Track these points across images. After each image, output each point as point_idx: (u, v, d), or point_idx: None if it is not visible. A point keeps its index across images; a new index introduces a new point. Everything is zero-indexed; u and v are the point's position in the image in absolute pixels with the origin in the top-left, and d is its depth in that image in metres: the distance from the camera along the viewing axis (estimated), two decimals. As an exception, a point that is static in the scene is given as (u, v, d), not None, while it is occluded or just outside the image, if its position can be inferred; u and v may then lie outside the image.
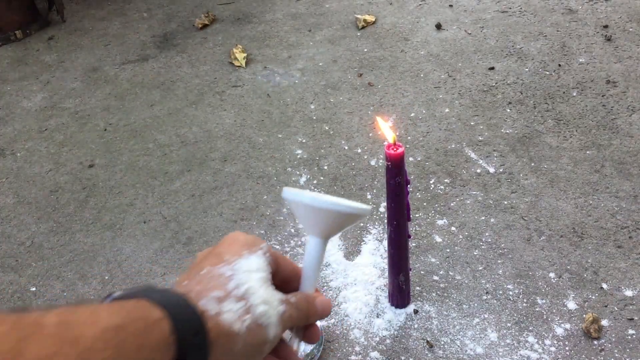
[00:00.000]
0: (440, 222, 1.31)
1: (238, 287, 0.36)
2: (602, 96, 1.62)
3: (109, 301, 0.33)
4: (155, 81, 2.03)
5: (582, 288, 1.12)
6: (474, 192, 1.37)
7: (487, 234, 1.26)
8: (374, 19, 2.18)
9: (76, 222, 1.48)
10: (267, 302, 0.37)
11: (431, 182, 1.42)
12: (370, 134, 1.61)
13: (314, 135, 1.65)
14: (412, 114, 1.66)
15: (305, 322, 0.42)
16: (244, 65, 2.03)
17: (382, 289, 1.17)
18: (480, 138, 1.54)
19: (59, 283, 1.31)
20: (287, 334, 0.43)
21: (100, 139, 1.78)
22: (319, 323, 1.09)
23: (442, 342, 1.06)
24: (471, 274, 1.18)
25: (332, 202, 0.42)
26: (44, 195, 1.58)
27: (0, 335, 0.24)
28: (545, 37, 1.92)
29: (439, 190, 1.39)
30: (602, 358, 1.00)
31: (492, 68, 1.81)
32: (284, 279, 0.43)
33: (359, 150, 1.56)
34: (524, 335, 1.06)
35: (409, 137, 1.58)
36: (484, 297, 1.13)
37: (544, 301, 1.11)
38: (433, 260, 1.22)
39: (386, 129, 0.92)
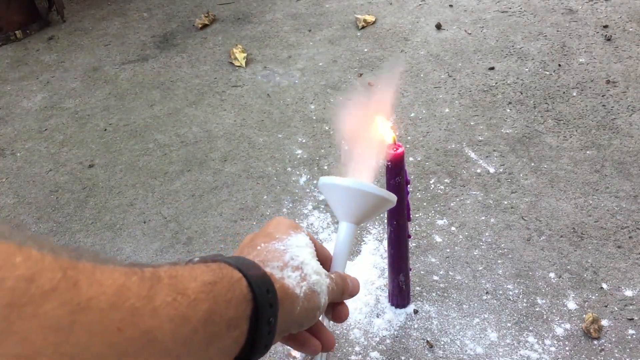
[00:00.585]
0: (440, 222, 1.31)
1: (293, 259, 0.41)
2: (602, 96, 1.62)
3: (192, 264, 0.37)
4: (155, 81, 2.03)
5: (582, 288, 1.12)
6: (474, 192, 1.37)
7: (487, 234, 1.26)
8: (374, 19, 2.18)
9: (76, 222, 1.48)
10: (318, 272, 0.42)
11: (431, 182, 1.42)
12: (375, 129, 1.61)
13: (314, 135, 1.65)
14: (412, 114, 1.66)
15: (340, 298, 0.46)
16: (244, 65, 2.03)
17: (382, 289, 1.17)
18: (480, 138, 1.54)
19: (59, 283, 1.31)
20: None
21: (100, 139, 1.78)
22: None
23: (442, 342, 1.06)
24: (471, 274, 1.18)
25: (366, 186, 0.46)
26: (44, 195, 1.58)
27: (135, 283, 0.29)
28: (545, 37, 1.92)
29: (439, 190, 1.39)
30: (602, 358, 1.00)
31: (492, 68, 1.81)
32: (318, 260, 0.47)
33: (359, 151, 1.56)
34: (524, 335, 1.06)
35: (409, 137, 1.58)
36: (484, 297, 1.13)
37: (544, 301, 1.11)
38: (433, 260, 1.22)
39: (385, 130, 0.92)
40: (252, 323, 0.36)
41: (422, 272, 1.20)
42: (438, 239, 1.27)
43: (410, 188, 1.21)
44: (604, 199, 1.31)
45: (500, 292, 1.14)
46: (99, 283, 0.27)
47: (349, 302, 1.17)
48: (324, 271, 0.44)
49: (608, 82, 1.67)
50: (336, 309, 0.48)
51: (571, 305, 1.09)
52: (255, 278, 0.37)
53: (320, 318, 0.46)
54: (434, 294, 1.15)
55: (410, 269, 1.11)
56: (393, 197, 0.49)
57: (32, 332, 0.23)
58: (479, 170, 1.44)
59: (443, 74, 1.82)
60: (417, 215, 1.33)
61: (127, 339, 0.27)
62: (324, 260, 0.48)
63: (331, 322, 0.48)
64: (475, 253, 1.22)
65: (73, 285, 0.25)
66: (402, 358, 1.05)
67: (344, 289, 0.46)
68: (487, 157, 1.47)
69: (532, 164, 1.43)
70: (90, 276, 0.27)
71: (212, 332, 0.32)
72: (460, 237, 1.27)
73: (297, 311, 0.40)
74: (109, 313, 0.26)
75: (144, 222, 1.44)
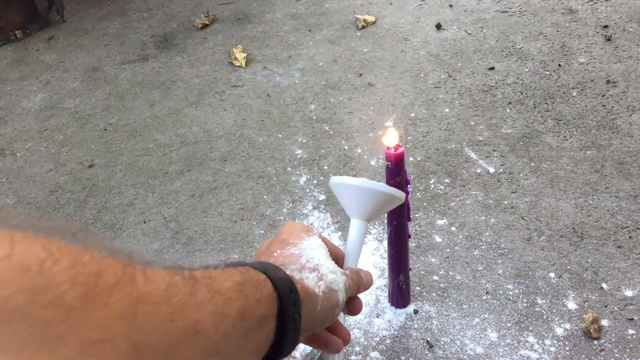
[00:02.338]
0: (440, 222, 1.31)
1: (309, 261, 0.44)
2: (602, 96, 1.62)
3: (221, 267, 0.39)
4: (155, 81, 2.03)
5: (582, 288, 1.12)
6: (474, 192, 1.37)
7: (487, 234, 1.26)
8: (374, 19, 2.18)
9: (76, 222, 1.48)
10: (334, 271, 0.44)
11: (431, 182, 1.42)
12: (370, 134, 1.61)
13: (314, 135, 1.65)
14: (412, 114, 1.66)
15: (355, 292, 0.48)
16: (244, 65, 2.03)
17: (382, 289, 1.17)
18: (480, 138, 1.54)
19: (59, 283, 1.31)
20: None
21: (100, 139, 1.78)
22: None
23: (442, 342, 1.06)
24: (471, 274, 1.18)
25: (377, 184, 0.49)
26: (44, 195, 1.58)
27: (180, 281, 0.32)
28: (545, 37, 1.92)
29: (439, 190, 1.39)
30: (602, 358, 1.00)
31: (492, 68, 1.81)
32: (332, 256, 0.49)
33: (359, 150, 1.56)
34: (524, 335, 1.06)
35: (409, 137, 1.58)
36: (484, 297, 1.13)
37: (544, 301, 1.11)
38: (433, 260, 1.22)
39: (392, 138, 0.91)
40: (279, 321, 0.38)
41: (422, 272, 1.20)
42: (438, 239, 1.27)
43: (410, 188, 1.21)
44: (604, 199, 1.31)
45: (500, 292, 1.14)
46: (151, 280, 0.30)
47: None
48: (339, 270, 0.46)
49: (608, 82, 1.67)
50: (351, 303, 0.50)
51: (571, 305, 1.09)
52: (278, 279, 0.39)
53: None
54: (434, 294, 1.15)
55: (410, 269, 1.11)
56: (402, 194, 0.51)
57: (105, 319, 0.27)
58: (479, 170, 1.44)
59: (443, 74, 1.82)
60: (417, 215, 1.33)
61: (178, 329, 0.30)
62: (336, 258, 0.50)
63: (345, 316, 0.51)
64: (475, 253, 1.22)
65: (131, 280, 0.29)
66: (402, 358, 1.05)
67: (359, 284, 0.48)
68: (487, 157, 1.47)
69: (532, 164, 1.43)
70: (143, 273, 0.30)
71: (247, 327, 0.35)
72: (460, 237, 1.27)
73: (318, 309, 0.42)
74: (162, 306, 0.30)
75: (144, 222, 1.44)
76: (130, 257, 0.31)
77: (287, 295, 0.39)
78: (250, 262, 0.41)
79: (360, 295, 0.51)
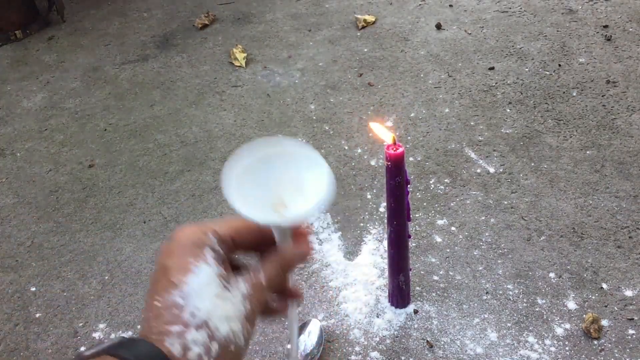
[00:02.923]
0: (440, 222, 1.31)
1: (194, 315, 0.35)
2: (602, 96, 1.62)
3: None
4: (155, 81, 2.03)
5: (582, 288, 1.12)
6: (474, 192, 1.37)
7: (487, 234, 1.26)
8: (374, 19, 2.18)
9: (76, 222, 1.48)
10: (228, 317, 0.36)
11: (431, 182, 1.42)
12: (370, 134, 1.61)
13: (314, 135, 1.65)
14: (412, 114, 1.66)
15: (283, 286, 0.41)
16: (244, 65, 2.03)
17: (382, 289, 1.17)
18: (480, 138, 1.54)
19: (59, 283, 1.31)
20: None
21: (100, 139, 1.78)
22: (322, 323, 1.09)
23: (442, 342, 1.06)
24: (471, 274, 1.18)
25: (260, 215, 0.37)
26: (44, 195, 1.58)
27: None
28: (545, 37, 1.92)
29: (439, 190, 1.39)
30: (602, 358, 1.00)
31: (492, 68, 1.81)
32: (253, 241, 0.41)
33: (359, 150, 1.56)
34: (524, 335, 1.06)
35: (409, 137, 1.58)
36: (484, 297, 1.13)
37: (544, 301, 1.11)
38: (433, 260, 1.22)
39: (382, 133, 0.92)
40: None
41: (422, 272, 1.20)
42: (438, 239, 1.27)
43: (410, 188, 1.21)
44: (604, 199, 1.31)
45: (500, 292, 1.14)
46: None
47: (349, 302, 1.17)
48: (239, 299, 0.37)
49: (608, 82, 1.67)
50: (297, 245, 0.42)
51: (571, 305, 1.09)
52: None
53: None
54: (434, 294, 1.15)
55: (410, 269, 1.11)
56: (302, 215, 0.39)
57: None
58: (479, 170, 1.44)
59: (443, 74, 1.82)
60: (417, 215, 1.33)
61: None
62: (258, 238, 0.41)
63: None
64: (475, 253, 1.22)
65: None
66: (402, 358, 1.05)
67: (281, 268, 0.40)
68: (487, 157, 1.47)
69: (532, 164, 1.43)
70: None
71: None
72: (460, 237, 1.27)
73: None
74: None
75: (144, 222, 1.44)
76: None
77: None
78: (119, 349, 0.34)
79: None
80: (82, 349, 0.32)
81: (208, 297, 0.36)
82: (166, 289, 0.36)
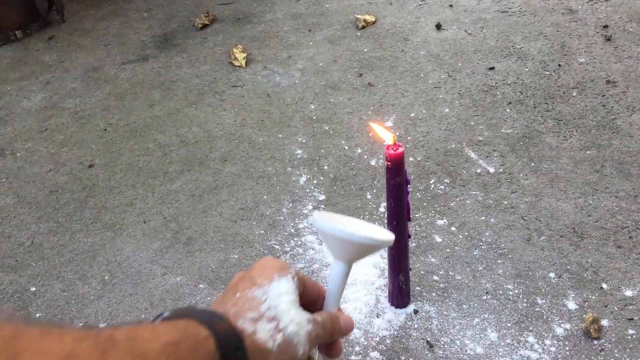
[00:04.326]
0: (440, 222, 1.31)
1: (270, 309, 0.40)
2: (602, 96, 1.62)
3: (160, 320, 0.36)
4: (155, 81, 2.03)
5: (582, 288, 1.12)
6: (474, 192, 1.37)
7: (487, 234, 1.26)
8: (374, 19, 2.18)
9: (76, 222, 1.48)
10: (297, 322, 0.40)
11: (431, 182, 1.42)
12: (371, 134, 1.61)
13: (314, 135, 1.65)
14: (412, 114, 1.66)
15: (330, 339, 0.45)
16: (244, 65, 2.03)
17: (382, 289, 1.17)
18: (480, 138, 1.54)
19: (59, 283, 1.31)
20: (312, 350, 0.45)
21: (100, 139, 1.78)
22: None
23: (442, 342, 1.06)
24: (471, 274, 1.18)
25: (359, 234, 0.44)
26: (44, 195, 1.58)
27: (87, 348, 0.28)
28: (545, 37, 1.92)
29: (439, 190, 1.39)
30: (602, 358, 1.00)
31: (492, 68, 1.81)
32: (309, 299, 0.46)
33: (359, 150, 1.56)
34: (524, 335, 1.06)
35: (409, 137, 1.58)
36: (484, 297, 1.13)
37: (544, 301, 1.11)
38: (433, 260, 1.22)
39: (382, 133, 0.92)
40: None
41: (422, 272, 1.20)
42: (438, 239, 1.27)
43: (410, 188, 1.21)
44: (604, 199, 1.31)
45: (500, 292, 1.14)
46: (43, 351, 0.26)
47: (349, 302, 1.17)
48: (305, 319, 0.42)
49: (608, 82, 1.67)
50: (329, 347, 0.47)
51: (571, 305, 1.09)
52: (224, 335, 0.36)
53: (315, 356, 0.46)
54: (434, 294, 1.15)
55: (410, 269, 1.11)
56: (389, 238, 0.47)
57: None
58: (479, 170, 1.44)
59: (443, 74, 1.82)
60: (417, 215, 1.33)
61: None
62: (316, 298, 0.47)
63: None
64: (475, 253, 1.22)
65: (13, 356, 0.25)
66: (402, 358, 1.05)
67: (333, 331, 0.45)
68: (487, 157, 1.47)
69: (532, 164, 1.43)
70: (35, 344, 0.26)
71: None
72: (460, 237, 1.27)
73: None
74: None
75: (144, 222, 1.44)
76: (25, 325, 0.27)
77: (232, 353, 0.35)
78: (198, 313, 0.37)
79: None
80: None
81: (284, 301, 0.41)
82: (249, 287, 0.41)
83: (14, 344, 0.26)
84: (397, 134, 1.59)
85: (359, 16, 2.18)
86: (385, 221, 1.04)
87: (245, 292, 0.41)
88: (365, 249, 0.46)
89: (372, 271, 1.22)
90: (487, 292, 1.14)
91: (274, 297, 0.41)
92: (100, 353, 0.28)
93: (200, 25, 2.33)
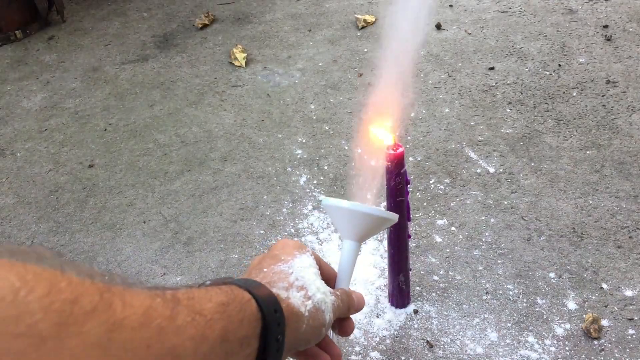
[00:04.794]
0: (440, 222, 1.31)
1: (298, 279, 0.44)
2: (602, 96, 1.62)
3: (205, 286, 0.39)
4: (155, 81, 2.03)
5: (582, 288, 1.12)
6: (474, 192, 1.37)
7: (487, 234, 1.26)
8: (374, 19, 2.18)
9: (76, 222, 1.48)
10: (323, 291, 0.45)
11: (431, 182, 1.42)
12: (370, 134, 1.61)
13: (314, 135, 1.65)
14: (412, 114, 1.66)
15: (345, 313, 0.48)
16: (244, 65, 2.03)
17: (382, 289, 1.17)
18: (480, 138, 1.54)
19: (59, 283, 1.31)
20: None
21: (100, 139, 1.78)
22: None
23: (442, 342, 1.06)
24: (471, 274, 1.18)
25: (368, 207, 0.49)
26: (44, 195, 1.58)
27: (160, 304, 0.31)
28: (545, 37, 1.92)
29: (439, 190, 1.39)
30: (602, 358, 1.00)
31: (492, 68, 1.81)
32: (323, 278, 0.49)
33: (359, 150, 1.56)
34: (524, 335, 1.06)
35: (409, 137, 1.58)
36: (484, 297, 1.13)
37: (544, 301, 1.11)
38: (433, 260, 1.22)
39: (382, 133, 0.92)
40: (261, 341, 0.38)
41: (422, 272, 1.20)
42: (438, 239, 1.27)
43: (410, 188, 1.21)
44: (604, 199, 1.31)
45: (500, 292, 1.14)
46: (129, 304, 0.30)
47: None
48: (328, 289, 0.46)
49: (608, 82, 1.67)
50: (342, 324, 0.50)
51: (571, 305, 1.09)
52: (263, 299, 0.39)
53: (330, 334, 0.48)
54: (434, 294, 1.15)
55: (410, 269, 1.11)
56: (394, 216, 0.51)
57: (79, 348, 0.26)
58: (479, 170, 1.44)
59: (443, 74, 1.82)
60: (417, 215, 1.33)
61: (155, 355, 0.30)
62: (328, 278, 0.50)
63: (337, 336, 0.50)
64: (475, 253, 1.22)
65: (109, 306, 0.28)
66: (402, 358, 1.05)
67: (349, 305, 0.49)
68: (487, 157, 1.47)
69: (532, 164, 1.43)
70: (122, 298, 0.30)
71: (227, 349, 0.35)
72: (460, 237, 1.27)
73: (303, 329, 0.42)
74: (139, 332, 0.29)
75: (144, 222, 1.44)
76: (110, 280, 0.30)
77: (271, 315, 0.39)
78: (237, 280, 0.41)
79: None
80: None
81: (309, 273, 0.45)
82: (274, 262, 0.45)
83: (107, 296, 0.29)
84: (397, 134, 1.59)
85: (359, 16, 2.18)
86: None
87: (271, 267, 0.45)
88: (373, 222, 0.50)
89: (372, 271, 1.22)
90: (487, 292, 1.14)
91: (299, 269, 0.45)
92: (170, 309, 0.32)
93: (200, 25, 2.33)
